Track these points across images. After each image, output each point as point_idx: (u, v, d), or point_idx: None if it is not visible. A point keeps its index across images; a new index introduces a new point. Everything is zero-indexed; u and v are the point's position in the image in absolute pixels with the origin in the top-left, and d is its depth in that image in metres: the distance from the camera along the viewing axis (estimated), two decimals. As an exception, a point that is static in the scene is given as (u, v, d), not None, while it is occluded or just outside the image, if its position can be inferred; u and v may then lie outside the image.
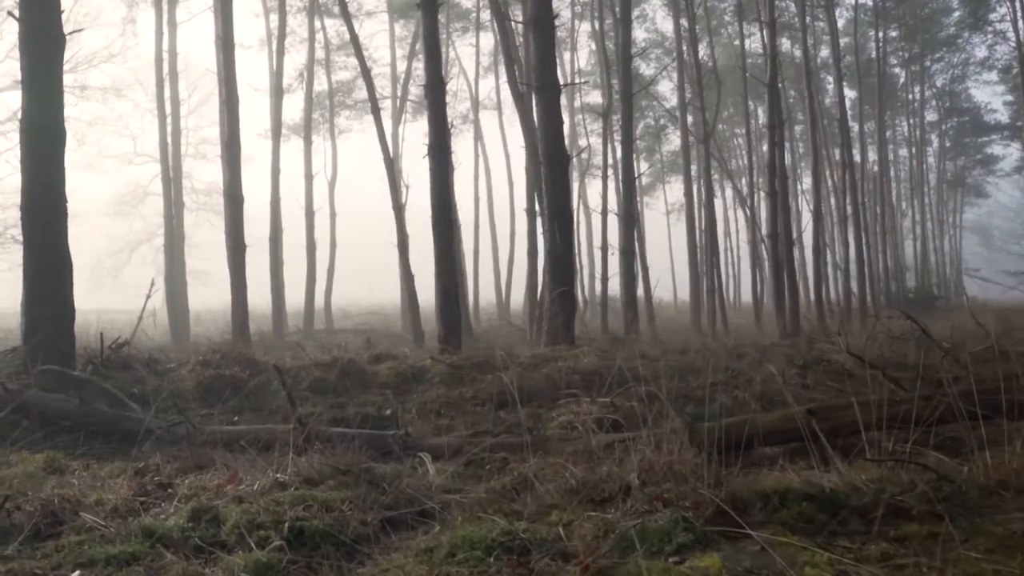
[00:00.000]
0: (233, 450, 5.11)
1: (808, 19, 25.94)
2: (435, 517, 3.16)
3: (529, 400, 6.97)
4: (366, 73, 14.83)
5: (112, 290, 32.03)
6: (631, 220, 17.25)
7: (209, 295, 27.95)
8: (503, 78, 32.47)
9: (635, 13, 29.04)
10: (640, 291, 20.50)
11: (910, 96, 42.59)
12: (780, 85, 24.34)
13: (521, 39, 17.42)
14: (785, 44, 34.16)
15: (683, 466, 3.26)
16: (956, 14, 38.55)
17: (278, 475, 3.39)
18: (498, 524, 2.68)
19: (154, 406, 5.43)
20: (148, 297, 15.57)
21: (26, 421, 5.63)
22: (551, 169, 9.62)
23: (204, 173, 34.46)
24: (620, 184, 17.32)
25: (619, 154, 17.38)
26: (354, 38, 14.75)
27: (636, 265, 18.30)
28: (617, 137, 28.06)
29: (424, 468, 4.83)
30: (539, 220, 18.61)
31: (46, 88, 6.94)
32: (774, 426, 5.20)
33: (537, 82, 9.78)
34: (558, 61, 31.18)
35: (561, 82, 33.07)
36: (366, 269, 39.33)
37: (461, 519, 2.95)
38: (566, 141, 24.88)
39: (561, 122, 10.05)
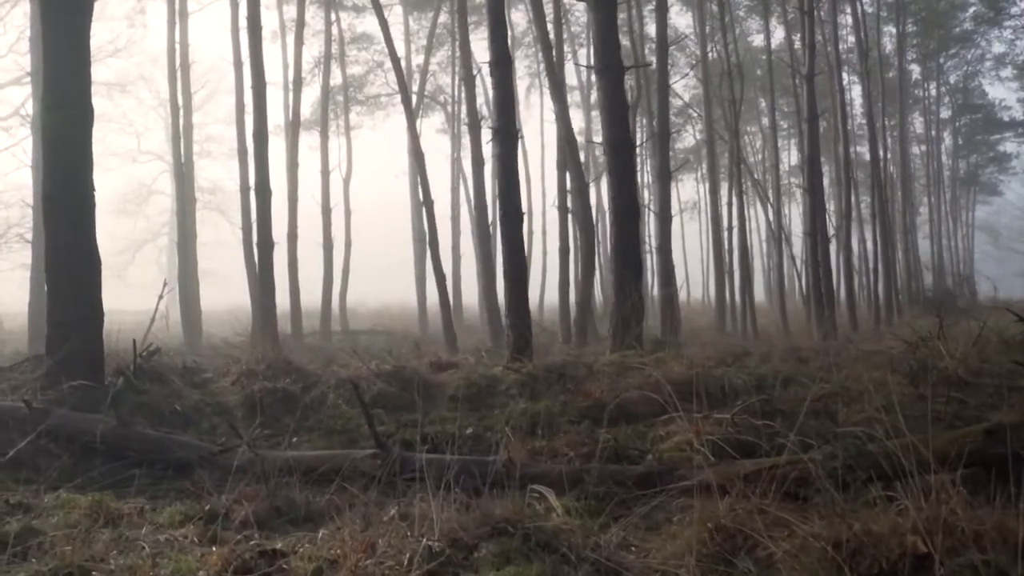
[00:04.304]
0: (310, 481, 4.25)
1: (817, 13, 25.12)
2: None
3: (626, 415, 6.14)
4: (395, 61, 13.98)
5: (116, 290, 31.09)
6: (667, 216, 16.41)
7: (214, 295, 27.05)
8: (518, 72, 31.62)
9: (649, 7, 28.25)
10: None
11: (924, 93, 41.88)
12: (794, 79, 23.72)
13: (551, 25, 16.53)
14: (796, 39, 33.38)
15: (970, 521, 2.41)
16: (972, 9, 37.87)
17: (430, 542, 2.51)
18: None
19: (244, 430, 4.52)
20: (161, 297, 14.70)
21: (54, 446, 4.77)
22: (616, 157, 8.79)
23: (208, 171, 33.67)
24: (655, 179, 16.46)
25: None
26: (383, 22, 13.87)
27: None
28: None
29: (545, 504, 3.98)
30: (570, 217, 17.77)
31: (71, 60, 6.04)
32: (944, 449, 4.38)
33: (599, 64, 8.95)
34: (572, 56, 30.43)
35: (578, 79, 31.54)
36: (376, 268, 38.46)
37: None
38: (581, 138, 24.11)
39: (626, 106, 9.23)
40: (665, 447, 5.32)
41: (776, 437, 5.32)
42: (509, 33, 30.84)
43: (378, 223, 37.35)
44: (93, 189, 6.16)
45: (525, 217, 29.06)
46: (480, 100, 31.89)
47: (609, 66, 8.84)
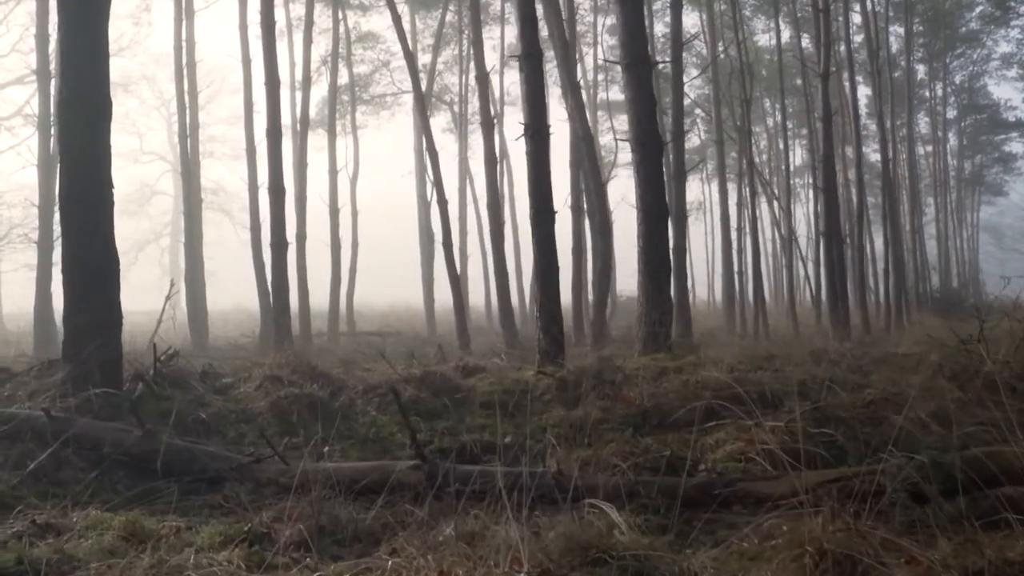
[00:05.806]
0: (350, 495, 3.98)
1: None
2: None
3: (669, 422, 5.88)
4: (409, 58, 13.73)
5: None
6: (683, 216, 16.19)
7: (214, 295, 26.79)
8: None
9: (656, 6, 28.00)
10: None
11: (930, 93, 41.65)
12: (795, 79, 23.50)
13: (566, 24, 16.29)
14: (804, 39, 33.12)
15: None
16: (979, 8, 37.64)
17: (520, 573, 2.25)
18: None
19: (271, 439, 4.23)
20: (168, 298, 14.44)
21: (76, 457, 4.51)
22: (644, 155, 8.53)
23: (211, 171, 33.45)
24: (670, 178, 16.19)
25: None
26: (396, 18, 13.63)
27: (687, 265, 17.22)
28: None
29: (606, 520, 3.70)
30: (585, 217, 17.54)
31: (88, 48, 5.77)
32: None
33: (626, 59, 8.71)
34: (579, 57, 30.13)
35: (585, 79, 31.32)
36: (380, 269, 38.20)
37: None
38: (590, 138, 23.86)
39: (655, 102, 8.99)
40: (717, 456, 5.06)
41: (834, 446, 5.09)
42: (515, 31, 30.65)
43: (382, 223, 37.08)
44: (111, 186, 5.89)
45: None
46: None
47: (637, 61, 8.59)
